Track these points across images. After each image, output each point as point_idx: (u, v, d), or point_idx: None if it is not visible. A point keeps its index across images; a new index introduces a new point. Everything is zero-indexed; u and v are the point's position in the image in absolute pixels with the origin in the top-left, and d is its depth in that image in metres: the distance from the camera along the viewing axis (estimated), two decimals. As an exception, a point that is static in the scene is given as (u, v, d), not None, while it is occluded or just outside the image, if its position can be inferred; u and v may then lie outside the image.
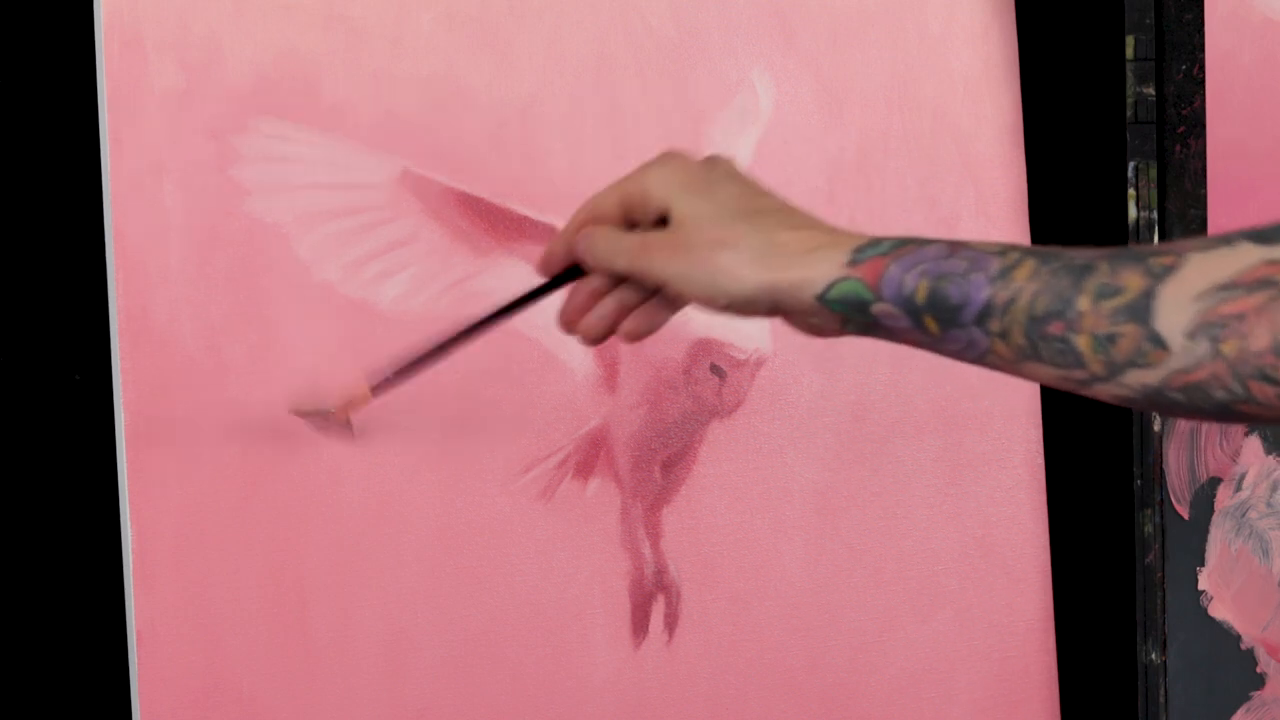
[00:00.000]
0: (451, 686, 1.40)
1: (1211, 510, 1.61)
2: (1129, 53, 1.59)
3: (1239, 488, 1.61)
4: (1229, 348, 0.91)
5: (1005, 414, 1.54)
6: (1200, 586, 1.61)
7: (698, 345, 1.47)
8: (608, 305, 1.10)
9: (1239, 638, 1.61)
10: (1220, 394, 0.92)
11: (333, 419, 1.20)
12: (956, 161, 1.54)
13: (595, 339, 1.11)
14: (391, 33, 1.39)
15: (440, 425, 1.40)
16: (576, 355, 1.44)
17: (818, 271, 1.02)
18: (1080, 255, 0.96)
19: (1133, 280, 0.94)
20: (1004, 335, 0.97)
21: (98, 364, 1.35)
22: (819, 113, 1.50)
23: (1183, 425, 1.59)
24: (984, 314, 0.98)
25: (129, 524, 1.32)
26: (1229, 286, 0.91)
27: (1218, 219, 1.59)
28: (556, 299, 1.12)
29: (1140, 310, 0.93)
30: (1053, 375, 0.97)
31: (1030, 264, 0.97)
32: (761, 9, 1.49)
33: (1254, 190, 1.59)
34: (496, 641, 1.41)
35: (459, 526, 1.40)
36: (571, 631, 1.43)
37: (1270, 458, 1.61)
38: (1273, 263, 0.91)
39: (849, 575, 1.50)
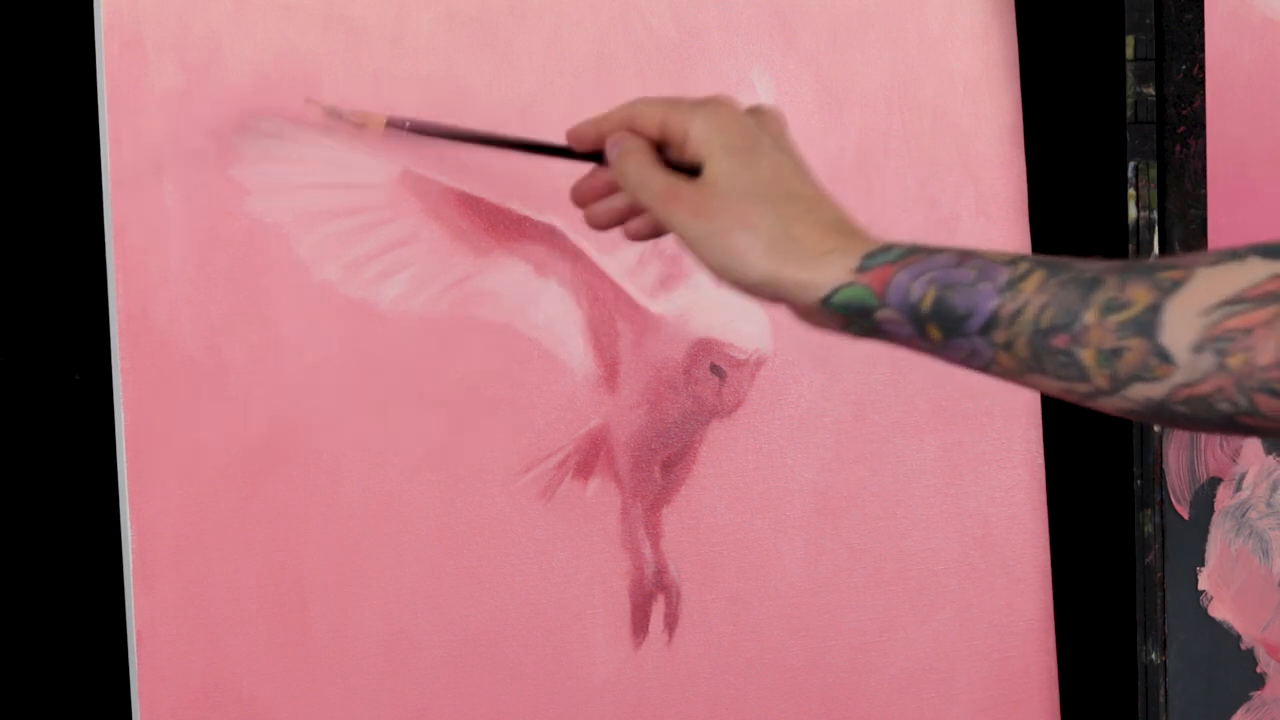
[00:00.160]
0: (451, 686, 1.40)
1: (1211, 510, 1.61)
2: (1129, 53, 1.59)
3: (1239, 488, 1.61)
4: (1235, 361, 0.90)
5: (1005, 414, 1.54)
6: (1200, 586, 1.61)
7: (698, 345, 1.47)
8: (619, 200, 1.11)
9: (1239, 638, 1.61)
10: (1224, 407, 0.92)
11: (344, 120, 1.30)
12: (956, 161, 1.54)
13: (600, 226, 1.12)
14: (391, 33, 1.39)
15: (440, 425, 1.40)
16: (576, 355, 1.44)
17: (826, 275, 1.02)
18: (1090, 268, 0.96)
19: (1140, 294, 0.93)
20: (1009, 346, 0.97)
21: (98, 364, 1.35)
22: (819, 113, 1.50)
23: (1183, 425, 1.59)
24: (990, 324, 0.98)
25: (129, 524, 1.32)
26: (1236, 301, 0.91)
27: (1218, 219, 1.59)
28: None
29: (1147, 324, 0.93)
30: (1056, 387, 0.97)
31: (1039, 276, 0.97)
32: (761, 9, 1.49)
33: (1254, 190, 1.59)
34: (496, 641, 1.41)
35: (459, 526, 1.40)
36: (571, 631, 1.43)
37: (1270, 458, 1.61)
38: None
39: (849, 575, 1.50)
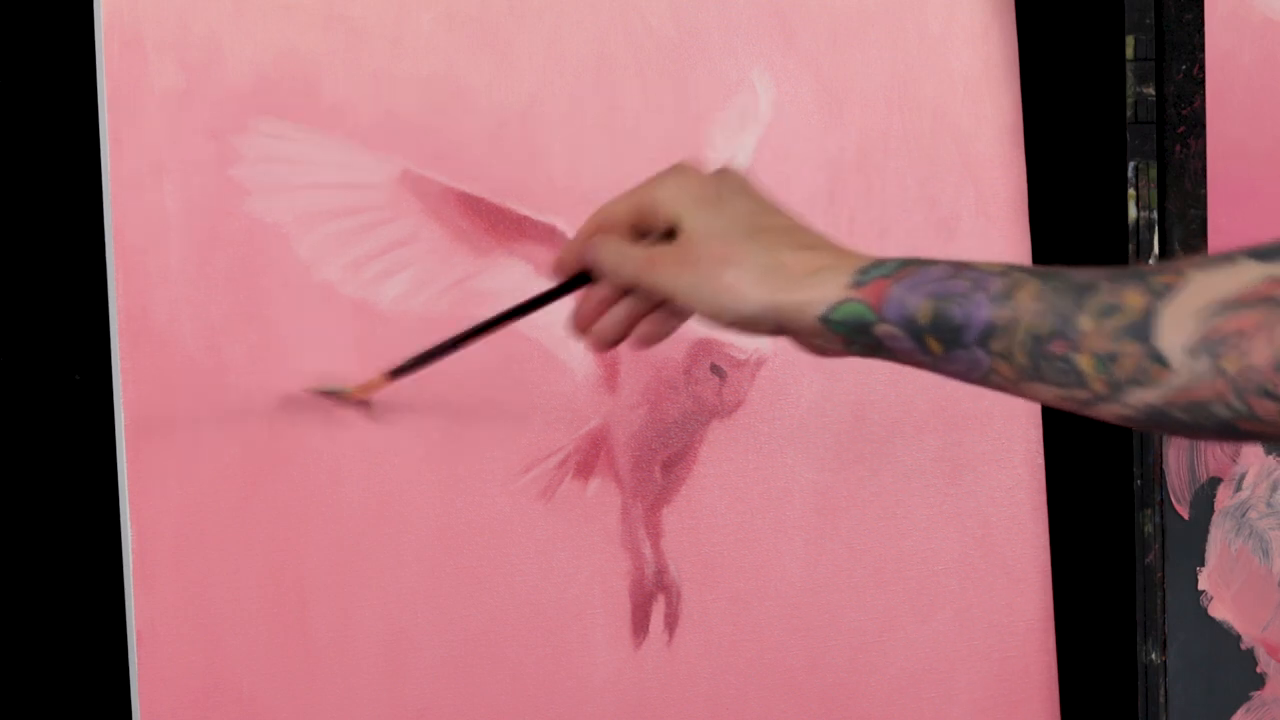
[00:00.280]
0: (451, 686, 1.40)
1: (1211, 510, 1.61)
2: (1129, 53, 1.59)
3: (1239, 488, 1.61)
4: (1230, 364, 0.91)
5: (1005, 414, 1.54)
6: (1200, 586, 1.61)
7: (698, 345, 1.47)
8: (619, 312, 1.11)
9: (1239, 638, 1.61)
10: (1222, 411, 0.92)
11: (349, 399, 1.30)
12: (956, 161, 1.54)
13: (607, 344, 1.12)
14: (391, 33, 1.39)
15: (440, 425, 1.40)
16: (576, 355, 1.44)
17: (821, 293, 1.02)
18: (1083, 275, 0.96)
19: (1134, 299, 0.94)
20: (1006, 355, 0.97)
21: (98, 364, 1.35)
22: (819, 113, 1.50)
23: (1183, 425, 1.59)
24: (986, 334, 0.98)
25: (129, 524, 1.32)
26: (1230, 303, 0.91)
27: (1218, 219, 1.59)
28: (566, 304, 1.12)
29: (1141, 328, 0.93)
30: (1055, 395, 0.97)
31: (1033, 284, 0.97)
32: (761, 9, 1.49)
33: (1254, 190, 1.59)
34: (496, 641, 1.41)
35: (459, 526, 1.40)
36: (571, 631, 1.43)
37: (1270, 458, 1.61)
38: (1274, 280, 0.91)
39: (849, 575, 1.50)
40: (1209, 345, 0.91)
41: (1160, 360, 0.92)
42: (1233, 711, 1.61)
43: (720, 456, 1.47)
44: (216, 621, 1.34)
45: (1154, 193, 1.59)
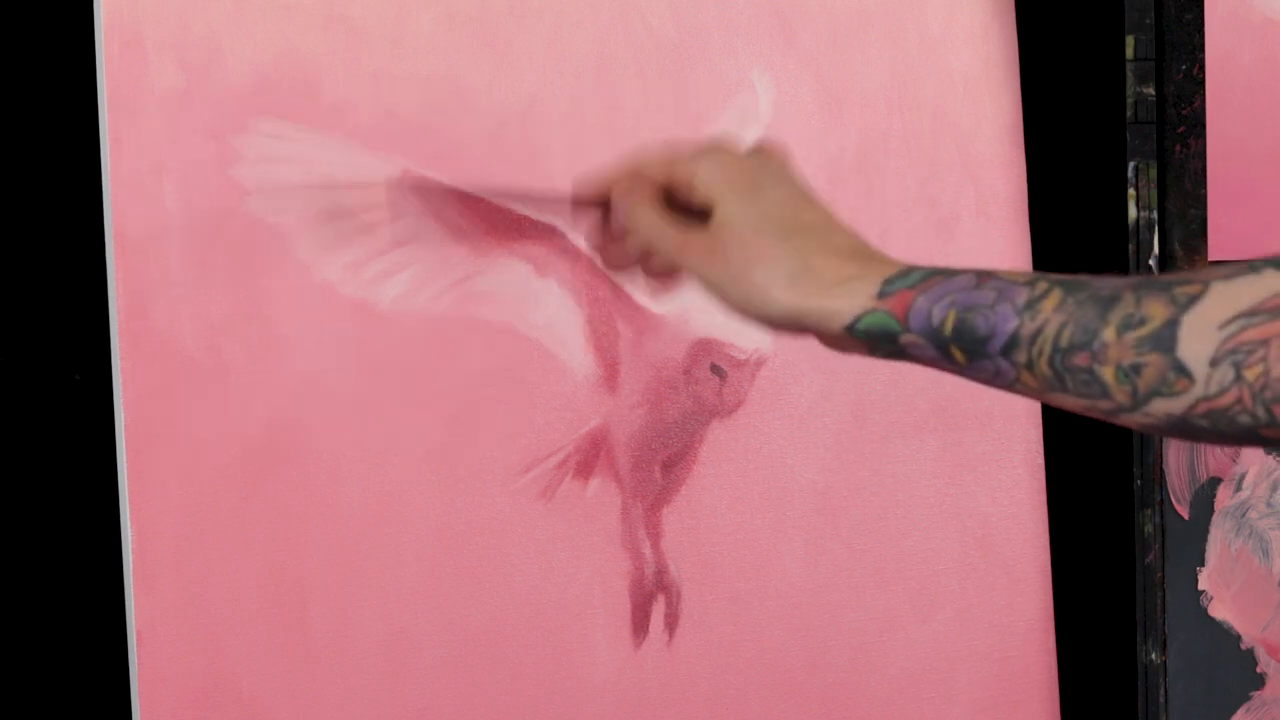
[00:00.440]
0: (451, 686, 1.40)
1: (1211, 510, 1.61)
2: (1129, 53, 1.59)
3: (1239, 488, 1.61)
4: (1251, 374, 0.91)
5: (1005, 414, 1.54)
6: (1200, 586, 1.61)
7: (698, 345, 1.47)
8: (635, 247, 1.11)
9: (1239, 638, 1.61)
10: (1244, 420, 0.92)
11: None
12: (956, 161, 1.54)
13: (619, 268, 1.12)
14: (391, 33, 1.39)
15: (440, 425, 1.40)
16: (576, 355, 1.44)
17: (847, 304, 1.02)
18: (1107, 285, 0.96)
19: (1157, 310, 0.94)
20: (1030, 366, 0.98)
21: (98, 364, 1.35)
22: (819, 113, 1.50)
23: (1183, 425, 1.59)
24: (1010, 345, 0.98)
25: (129, 524, 1.32)
26: (1252, 313, 0.91)
27: (1218, 219, 1.59)
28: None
29: (1164, 340, 0.93)
30: (1080, 405, 0.97)
31: (1057, 295, 0.97)
32: (761, 9, 1.49)
33: (1254, 190, 1.59)
34: (496, 641, 1.41)
35: (459, 526, 1.40)
36: (571, 631, 1.43)
37: (1270, 458, 1.61)
38: None
39: (849, 575, 1.50)
40: (1231, 355, 0.91)
41: (1183, 371, 0.93)
42: (1233, 711, 1.61)
43: (720, 456, 1.47)
44: (216, 621, 1.34)
45: (1154, 193, 1.59)
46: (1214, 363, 0.92)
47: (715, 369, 1.47)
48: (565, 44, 1.44)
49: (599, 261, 1.14)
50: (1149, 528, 1.60)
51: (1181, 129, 1.60)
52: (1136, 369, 0.94)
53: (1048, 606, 1.56)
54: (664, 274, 1.12)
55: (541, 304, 1.42)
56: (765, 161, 1.09)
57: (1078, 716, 1.58)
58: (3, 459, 1.38)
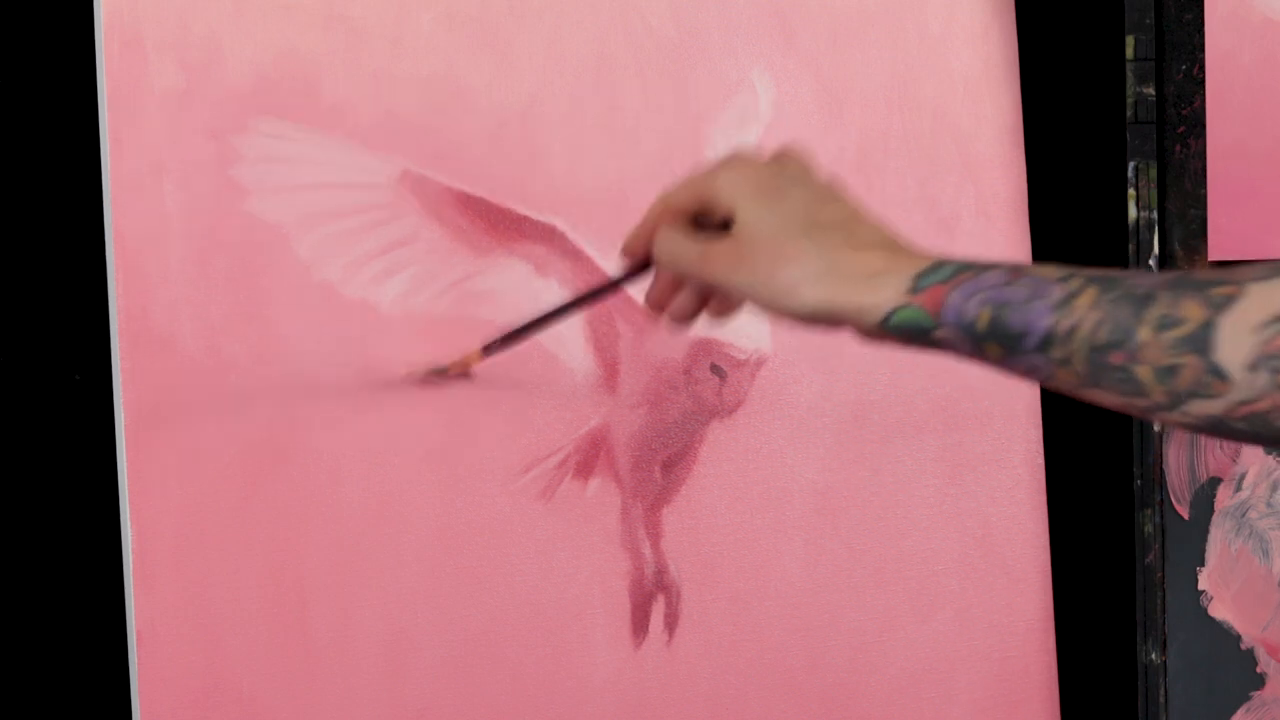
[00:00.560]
0: (451, 686, 1.40)
1: (1211, 510, 1.61)
2: (1129, 53, 1.59)
3: (1239, 488, 1.61)
4: None
5: (1005, 414, 1.54)
6: (1200, 586, 1.61)
7: (698, 345, 1.47)
8: (687, 294, 1.11)
9: (1239, 638, 1.61)
10: None
11: (448, 373, 1.38)
12: (956, 161, 1.54)
13: (684, 322, 1.12)
14: (391, 33, 1.39)
15: (440, 425, 1.40)
16: (576, 355, 1.44)
17: (879, 299, 1.02)
18: (1142, 282, 0.96)
19: (1193, 311, 0.94)
20: (1066, 363, 0.97)
21: (98, 364, 1.35)
22: (819, 113, 1.50)
23: (1183, 425, 1.59)
24: (1046, 342, 0.98)
25: (129, 524, 1.32)
26: None
27: (1218, 219, 1.59)
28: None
29: (1200, 341, 0.93)
30: (1117, 402, 0.97)
31: (1091, 292, 0.97)
32: (761, 9, 1.49)
33: (1254, 190, 1.59)
34: (496, 641, 1.41)
35: (459, 526, 1.40)
36: (571, 631, 1.43)
37: (1270, 458, 1.61)
38: None
39: (849, 575, 1.50)
40: (1268, 360, 0.91)
41: (1220, 374, 0.92)
42: (1233, 711, 1.61)
43: (720, 456, 1.47)
44: (216, 621, 1.34)
45: (1154, 193, 1.59)
46: (1252, 368, 0.92)
47: (715, 369, 1.47)
48: (565, 44, 1.44)
49: (665, 325, 1.14)
50: (1149, 528, 1.60)
51: (1181, 129, 1.60)
52: (1173, 370, 0.94)
53: (1048, 606, 1.56)
54: (726, 310, 1.12)
55: (541, 304, 1.42)
56: (783, 165, 1.09)
57: (1078, 716, 1.58)
58: (3, 459, 1.38)
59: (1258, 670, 1.62)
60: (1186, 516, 1.61)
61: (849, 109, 1.51)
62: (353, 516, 1.38)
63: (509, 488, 1.41)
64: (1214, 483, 1.61)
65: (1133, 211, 1.60)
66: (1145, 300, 0.95)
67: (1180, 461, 1.61)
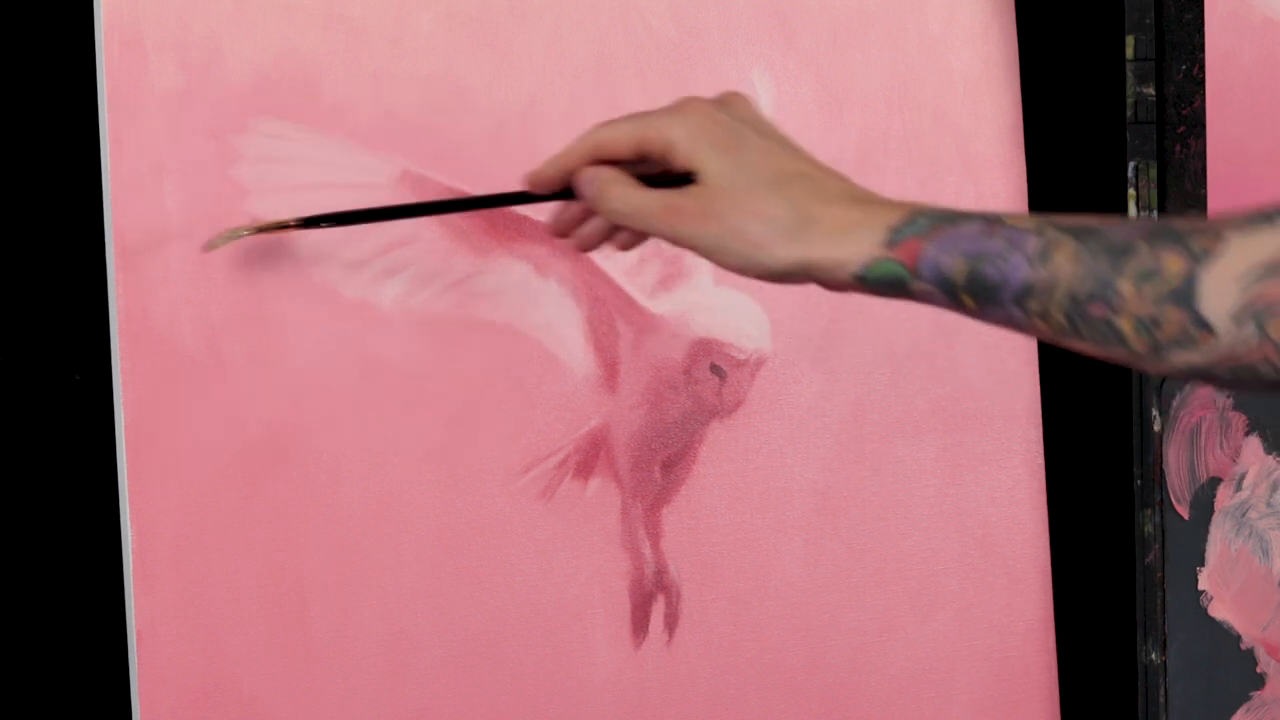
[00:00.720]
0: (451, 686, 1.40)
1: (1211, 510, 1.61)
2: (1129, 53, 1.59)
3: (1239, 488, 1.61)
4: (1276, 329, 0.90)
5: (1005, 414, 1.54)
6: (1200, 586, 1.61)
7: (698, 345, 1.47)
8: (598, 222, 1.11)
9: (1239, 638, 1.61)
10: (1269, 373, 0.92)
11: (254, 234, 1.31)
12: (956, 161, 1.54)
13: (590, 248, 1.12)
14: (391, 33, 1.39)
15: (440, 425, 1.40)
16: (576, 355, 1.44)
17: (854, 251, 1.01)
18: (1118, 233, 0.96)
19: (1173, 263, 0.93)
20: (1043, 315, 0.97)
21: (98, 364, 1.35)
22: (819, 113, 1.50)
23: (1183, 425, 1.59)
24: (1023, 294, 0.97)
25: (129, 524, 1.32)
26: (1273, 267, 0.91)
27: (1218, 219, 1.59)
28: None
29: (1183, 294, 0.93)
30: (1095, 351, 0.97)
31: (1069, 244, 0.97)
32: (761, 9, 1.49)
33: (1254, 190, 1.59)
34: (496, 641, 1.41)
35: (459, 526, 1.40)
36: (571, 631, 1.43)
37: (1270, 458, 1.61)
38: None
39: (849, 575, 1.50)
40: (1254, 311, 0.91)
41: (1204, 325, 0.92)
42: (1233, 711, 1.61)
43: (720, 456, 1.47)
44: (216, 621, 1.34)
45: (1154, 193, 1.59)
46: (1237, 319, 0.91)
47: (715, 369, 1.47)
48: (565, 44, 1.44)
49: (565, 243, 1.14)
50: (1149, 528, 1.60)
51: (1181, 129, 1.60)
52: (1155, 322, 0.93)
53: (1048, 606, 1.56)
54: (633, 242, 1.11)
55: (541, 304, 1.42)
56: (737, 114, 1.08)
57: (1078, 716, 1.58)
58: (3, 459, 1.38)
59: (1258, 670, 1.62)
60: (1186, 516, 1.61)
61: (849, 109, 1.51)
62: (353, 516, 1.38)
63: (509, 488, 1.41)
64: (1214, 483, 1.61)
65: (1133, 211, 1.60)
66: (1124, 251, 0.95)
67: (1180, 461, 1.61)
